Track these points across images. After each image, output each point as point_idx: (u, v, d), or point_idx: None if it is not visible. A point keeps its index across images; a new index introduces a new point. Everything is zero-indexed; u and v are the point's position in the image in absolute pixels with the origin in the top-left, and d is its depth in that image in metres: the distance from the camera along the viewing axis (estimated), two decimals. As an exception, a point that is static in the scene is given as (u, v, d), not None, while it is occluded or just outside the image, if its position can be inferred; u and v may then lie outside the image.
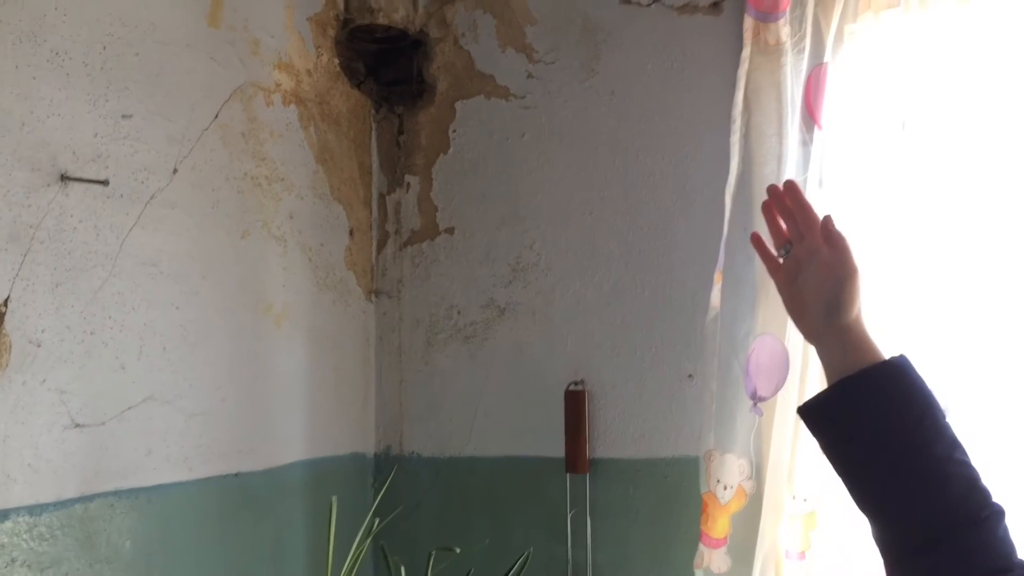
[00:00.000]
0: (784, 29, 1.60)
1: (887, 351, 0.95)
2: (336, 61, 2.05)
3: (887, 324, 1.50)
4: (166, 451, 1.54)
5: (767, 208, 1.08)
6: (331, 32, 2.03)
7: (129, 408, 1.49)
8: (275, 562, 1.78)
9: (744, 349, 1.62)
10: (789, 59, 1.60)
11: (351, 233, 2.06)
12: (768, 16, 1.60)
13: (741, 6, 1.75)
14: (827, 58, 1.56)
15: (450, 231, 2.05)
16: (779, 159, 1.60)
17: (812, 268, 1.00)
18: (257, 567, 1.73)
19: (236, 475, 1.69)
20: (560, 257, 1.92)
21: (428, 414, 2.03)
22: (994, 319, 1.46)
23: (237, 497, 1.69)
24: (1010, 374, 1.43)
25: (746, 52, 1.61)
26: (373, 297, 2.11)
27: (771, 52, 1.61)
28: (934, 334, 1.47)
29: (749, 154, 1.64)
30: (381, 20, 2.05)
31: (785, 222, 1.06)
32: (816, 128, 1.55)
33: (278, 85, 1.87)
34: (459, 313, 2.02)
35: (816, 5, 1.58)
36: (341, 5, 2.06)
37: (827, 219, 0.99)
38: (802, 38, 1.59)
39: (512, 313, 1.96)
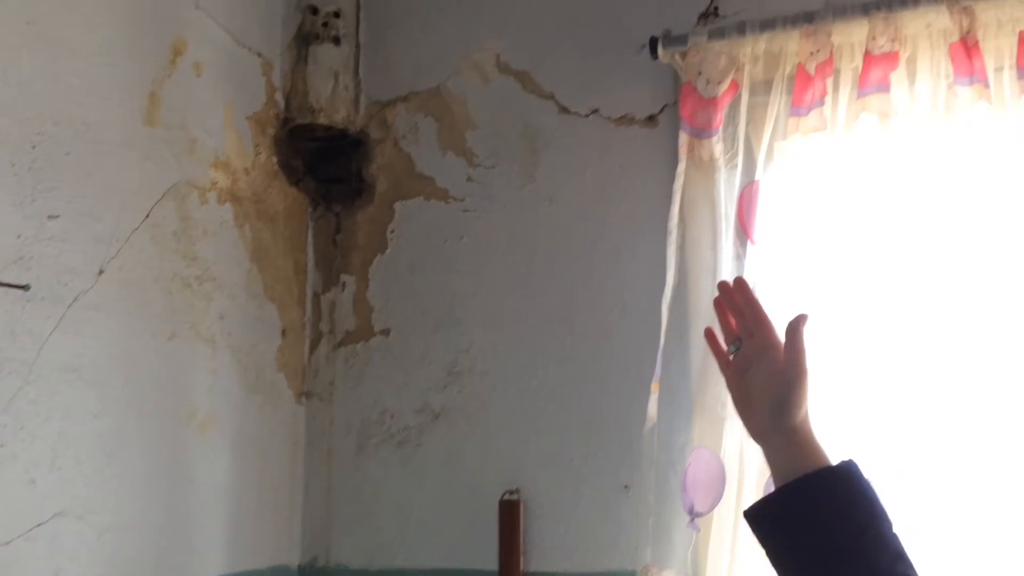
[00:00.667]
0: (717, 146, 1.64)
1: (831, 455, 0.95)
2: (274, 159, 2.03)
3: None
4: (76, 570, 1.45)
5: (718, 304, 1.09)
6: (270, 131, 2.03)
7: (38, 525, 1.40)
8: None
9: (681, 462, 1.61)
10: (722, 175, 1.64)
11: (283, 333, 2.01)
12: (702, 133, 1.65)
13: (676, 120, 1.79)
14: (759, 175, 1.60)
15: (385, 333, 2.01)
16: (714, 272, 1.62)
17: (761, 366, 1.01)
18: None
19: (150, 594, 1.60)
20: (496, 362, 1.90)
21: (357, 523, 1.96)
22: (923, 430, 1.48)
23: (150, 618, 1.59)
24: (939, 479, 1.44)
25: (681, 167, 1.65)
26: (303, 400, 2.05)
27: (705, 167, 1.65)
28: (865, 441, 1.48)
29: (685, 265, 1.67)
30: (322, 120, 2.05)
31: (735, 319, 1.07)
32: (749, 243, 1.58)
33: (214, 183, 1.84)
34: (392, 417, 1.97)
35: (747, 125, 1.63)
36: (281, 104, 2.06)
37: (800, 318, 1.00)
38: (734, 155, 1.63)
39: (447, 418, 1.92)
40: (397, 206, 2.06)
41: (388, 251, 2.05)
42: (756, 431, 1.01)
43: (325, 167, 2.14)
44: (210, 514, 1.76)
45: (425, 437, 1.93)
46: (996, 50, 1.46)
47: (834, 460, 0.95)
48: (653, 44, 1.70)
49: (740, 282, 1.08)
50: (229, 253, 1.87)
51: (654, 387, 1.64)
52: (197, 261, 1.78)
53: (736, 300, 1.06)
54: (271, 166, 2.03)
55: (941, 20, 1.48)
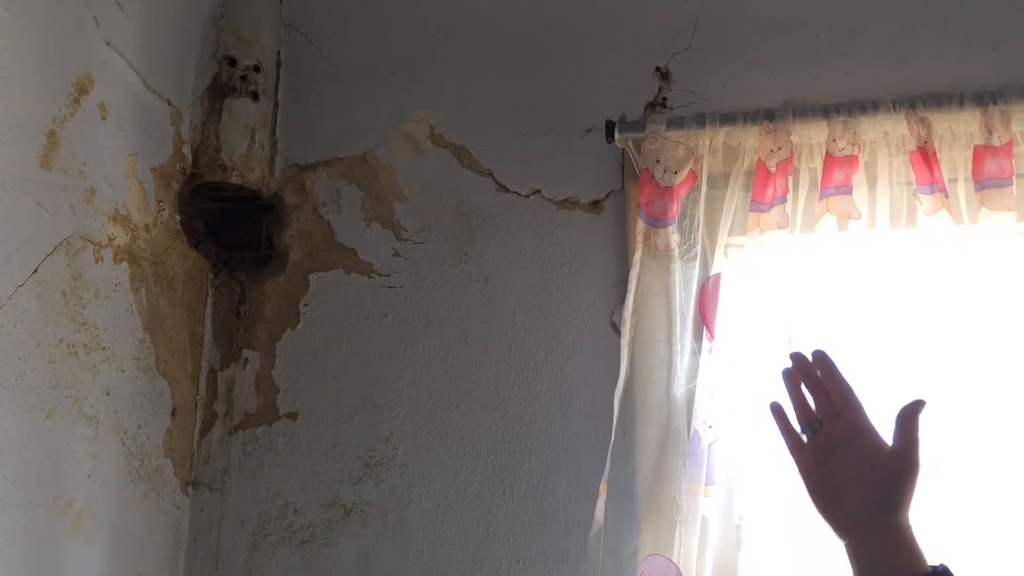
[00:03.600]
0: (673, 236, 1.59)
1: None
2: (177, 218, 1.83)
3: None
4: None
5: (792, 378, 1.00)
6: (175, 186, 1.83)
7: None
8: None
9: (631, 570, 1.49)
10: (678, 265, 1.58)
11: (173, 413, 1.77)
12: (658, 221, 1.59)
13: (622, 207, 1.75)
14: (719, 268, 1.56)
15: (292, 416, 1.81)
16: (669, 366, 1.55)
17: (852, 453, 0.92)
18: None
19: None
20: (420, 453, 1.74)
21: (248, 634, 1.71)
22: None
23: None
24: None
25: (637, 255, 1.58)
26: (190, 490, 1.81)
27: (660, 257, 1.59)
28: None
29: (637, 359, 1.58)
30: (234, 179, 1.87)
31: (814, 397, 0.98)
32: (708, 338, 1.52)
33: (111, 239, 1.62)
34: (296, 512, 1.76)
35: (704, 217, 1.59)
36: (189, 159, 1.87)
37: (917, 404, 0.92)
38: (692, 246, 1.59)
39: (360, 515, 1.73)
40: (312, 277, 1.89)
41: (300, 326, 1.87)
42: (849, 526, 0.92)
43: (229, 230, 1.95)
44: (79, 626, 1.49)
45: (333, 536, 1.73)
46: (951, 161, 1.49)
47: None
48: (610, 128, 1.65)
49: (822, 356, 1.00)
50: (122, 319, 1.64)
51: (603, 487, 1.52)
52: (86, 327, 1.55)
53: (815, 375, 0.98)
54: (173, 224, 1.82)
55: (899, 128, 1.51)
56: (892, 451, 0.92)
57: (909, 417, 0.93)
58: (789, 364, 1.01)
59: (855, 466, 0.92)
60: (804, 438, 0.97)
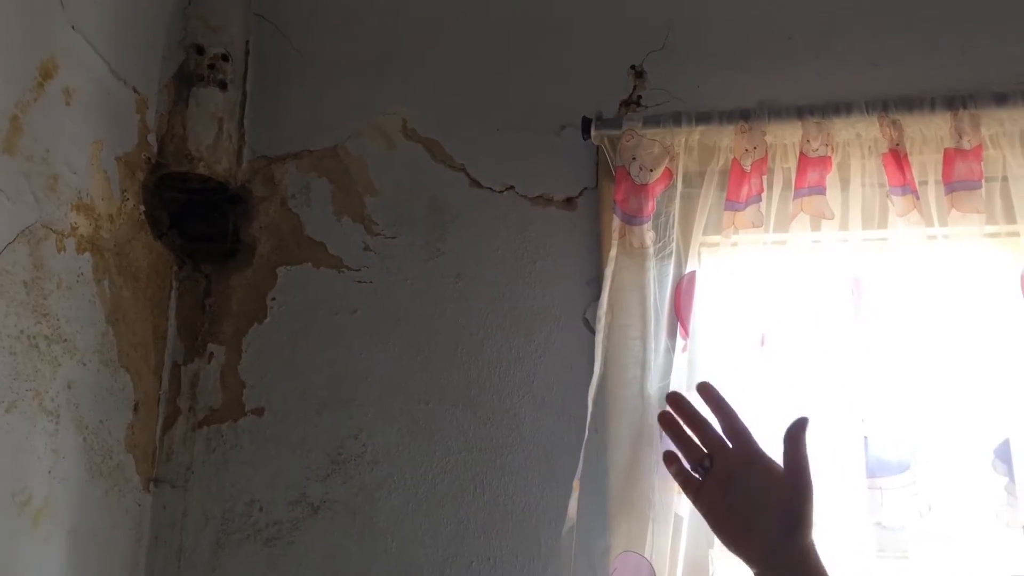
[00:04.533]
0: (648, 234, 1.59)
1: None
2: (141, 208, 1.78)
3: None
4: None
5: (667, 421, 0.99)
6: (140, 175, 1.78)
7: None
8: None
9: (603, 567, 1.49)
10: (653, 263, 1.59)
11: (136, 408, 1.73)
12: (633, 219, 1.59)
13: (595, 204, 1.74)
14: (694, 266, 1.56)
15: (258, 412, 1.78)
16: (643, 364, 1.55)
17: (750, 482, 0.91)
18: None
19: None
20: (389, 450, 1.72)
21: (211, 634, 1.68)
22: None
23: None
24: None
25: (612, 252, 1.58)
26: (152, 486, 1.76)
27: (636, 255, 1.59)
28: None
29: (610, 356, 1.58)
30: (201, 169, 1.83)
31: (696, 433, 0.97)
32: (682, 336, 1.53)
33: (74, 229, 1.58)
34: (261, 510, 1.73)
35: (679, 215, 1.60)
36: (155, 148, 1.82)
37: (800, 423, 0.91)
38: (667, 244, 1.59)
39: (328, 512, 1.70)
40: (280, 271, 1.86)
41: (267, 320, 1.83)
42: (759, 556, 0.90)
43: (195, 222, 1.91)
44: (37, 626, 1.44)
45: (300, 533, 1.70)
46: (921, 164, 1.51)
47: None
48: (586, 124, 1.64)
49: (706, 388, 1.00)
50: (84, 311, 1.59)
51: (575, 484, 1.52)
52: (48, 318, 1.50)
53: (690, 412, 0.97)
54: (137, 215, 1.78)
55: (871, 130, 1.53)
56: (784, 474, 0.91)
57: (795, 437, 0.93)
58: (665, 407, 1.00)
59: (754, 493, 0.91)
60: (699, 477, 0.96)
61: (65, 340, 1.54)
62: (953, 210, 1.47)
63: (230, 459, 1.76)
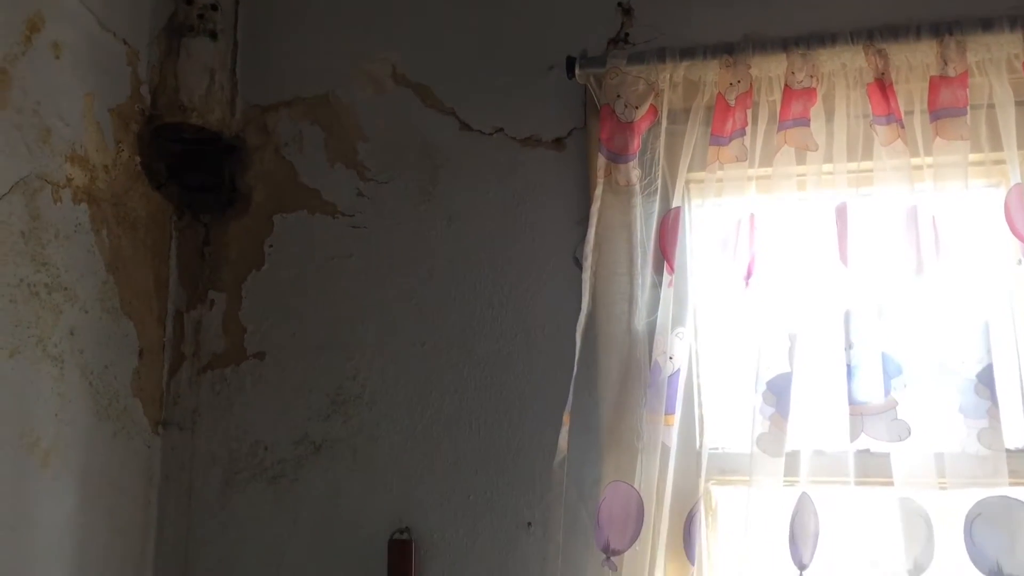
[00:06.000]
0: (634, 171, 1.60)
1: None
2: (137, 159, 1.81)
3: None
4: None
5: None
6: (134, 127, 1.81)
7: None
8: None
9: (593, 497, 1.53)
10: (639, 200, 1.60)
11: (141, 354, 1.78)
12: (619, 157, 1.60)
13: (584, 144, 1.75)
14: (678, 202, 1.57)
15: (259, 356, 1.83)
16: (630, 299, 1.58)
17: None
18: None
19: (-25, 660, 1.33)
20: (387, 390, 1.76)
21: (221, 568, 1.74)
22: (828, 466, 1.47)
23: None
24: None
25: (598, 191, 1.60)
26: (160, 429, 1.82)
27: (622, 192, 1.61)
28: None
29: (598, 293, 1.60)
30: (194, 120, 1.85)
31: None
32: (668, 271, 1.54)
33: (69, 180, 1.61)
34: (266, 450, 1.78)
35: (665, 152, 1.60)
36: (148, 100, 1.85)
37: None
38: (652, 181, 1.60)
39: (329, 451, 1.76)
40: (276, 219, 1.89)
41: (265, 267, 1.87)
42: None
43: (192, 172, 1.94)
44: (51, 559, 1.51)
45: (303, 471, 1.76)
46: (907, 93, 1.51)
47: None
48: (571, 64, 1.64)
49: None
50: (83, 260, 1.63)
51: (565, 418, 1.55)
52: (47, 267, 1.54)
53: None
54: (133, 166, 1.80)
55: (856, 60, 1.52)
56: None
57: None
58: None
59: None
60: None
61: (65, 288, 1.58)
62: (938, 138, 1.47)
63: (234, 402, 1.81)
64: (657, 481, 1.47)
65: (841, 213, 1.49)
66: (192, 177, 1.94)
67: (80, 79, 1.66)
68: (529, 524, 1.64)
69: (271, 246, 1.88)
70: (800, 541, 1.37)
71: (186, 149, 1.91)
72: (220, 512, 1.77)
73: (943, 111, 1.46)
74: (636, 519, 1.46)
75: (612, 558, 1.46)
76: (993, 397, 1.39)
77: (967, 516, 1.33)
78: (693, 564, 1.45)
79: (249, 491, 1.77)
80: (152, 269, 1.84)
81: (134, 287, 1.77)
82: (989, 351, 1.40)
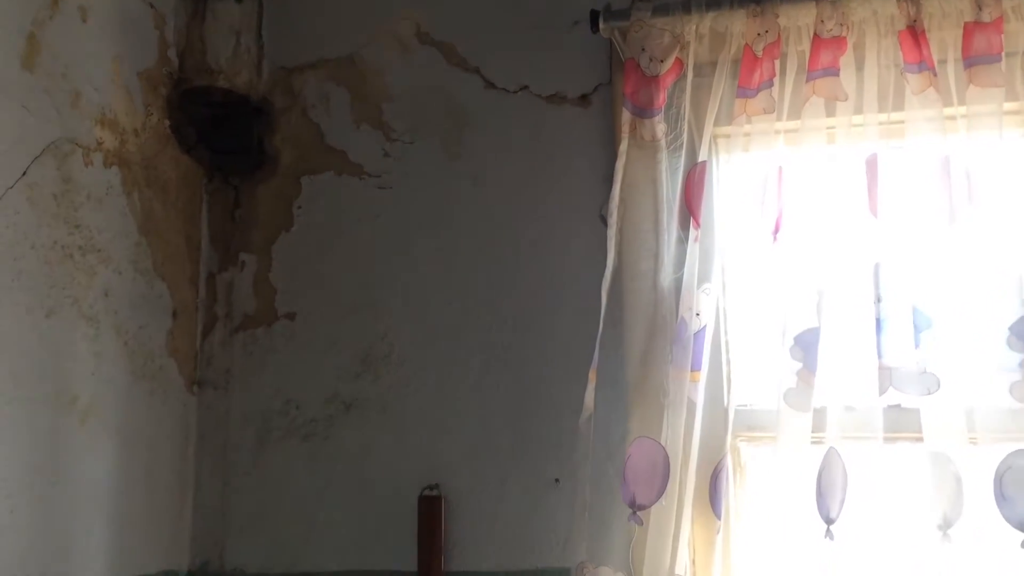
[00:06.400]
0: (660, 126, 1.58)
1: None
2: (166, 122, 1.83)
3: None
4: (-68, 583, 1.23)
5: None
6: (163, 90, 1.82)
7: None
8: None
9: (620, 453, 1.53)
10: (665, 155, 1.58)
11: (174, 315, 1.81)
12: (644, 112, 1.58)
13: (609, 100, 1.73)
14: (704, 157, 1.55)
15: (290, 316, 1.85)
16: (656, 255, 1.57)
17: None
18: None
19: (21, 607, 1.38)
20: (416, 349, 1.77)
21: (256, 524, 1.78)
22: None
23: (21, 635, 1.37)
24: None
25: (623, 146, 1.58)
26: (196, 389, 1.86)
27: (647, 148, 1.59)
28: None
29: (624, 249, 1.60)
30: (221, 83, 1.87)
31: None
32: (694, 226, 1.53)
33: (99, 143, 1.63)
34: (298, 408, 1.81)
35: (691, 105, 1.58)
36: (176, 63, 1.86)
37: None
38: (678, 135, 1.58)
39: (359, 409, 1.78)
40: (304, 180, 1.90)
41: (294, 228, 1.89)
42: None
43: (221, 136, 1.95)
44: (90, 514, 1.55)
45: (335, 430, 1.78)
46: (940, 41, 1.46)
47: None
48: (594, 17, 1.62)
49: None
50: (116, 222, 1.66)
51: (591, 375, 1.55)
52: (80, 229, 1.57)
53: None
54: (163, 129, 1.82)
55: (888, 7, 1.48)
56: None
57: None
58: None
59: None
60: None
61: (99, 250, 1.61)
62: (971, 85, 1.43)
63: (267, 361, 1.84)
64: (683, 437, 1.47)
65: (871, 165, 1.46)
66: (221, 140, 1.95)
67: (107, 42, 1.67)
68: (557, 480, 1.65)
69: (299, 208, 1.89)
70: (828, 496, 1.37)
71: (215, 113, 1.93)
72: (254, 469, 1.80)
73: (977, 58, 1.42)
74: (662, 475, 1.46)
75: (638, 513, 1.46)
76: (1026, 350, 1.36)
77: (997, 470, 1.31)
78: (719, 519, 1.45)
79: (282, 449, 1.80)
80: (184, 231, 1.86)
81: (166, 249, 1.80)
82: (1023, 303, 1.37)
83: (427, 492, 1.69)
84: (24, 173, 1.45)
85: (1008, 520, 1.30)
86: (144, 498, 1.69)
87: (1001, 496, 1.30)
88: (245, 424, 1.83)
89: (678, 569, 1.44)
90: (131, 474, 1.65)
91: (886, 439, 1.41)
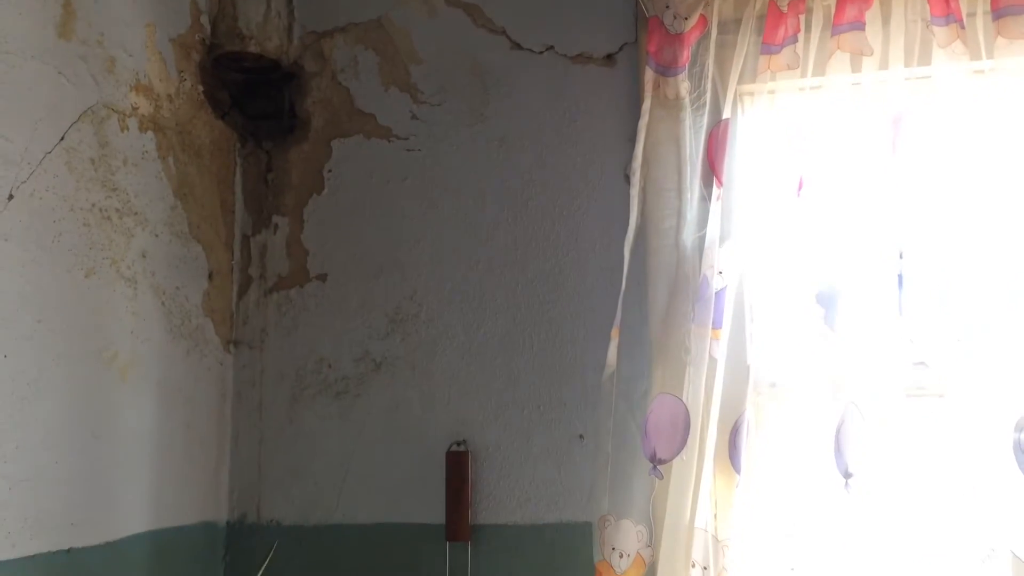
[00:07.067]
0: (683, 84, 1.58)
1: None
2: (200, 88, 1.87)
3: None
4: (-17, 527, 1.30)
5: None
6: (196, 56, 1.86)
7: (-60, 476, 1.24)
8: (109, 654, 1.54)
9: (642, 409, 1.56)
10: (688, 114, 1.58)
11: (210, 276, 1.87)
12: (667, 70, 1.58)
13: (634, 60, 1.73)
14: (727, 114, 1.55)
15: (322, 278, 1.89)
16: (679, 214, 1.57)
17: None
18: (88, 662, 1.48)
19: (68, 551, 1.46)
20: (443, 308, 1.81)
21: (291, 478, 1.84)
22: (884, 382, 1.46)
23: (68, 578, 1.45)
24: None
25: (646, 105, 1.59)
26: (232, 348, 1.92)
27: (670, 106, 1.59)
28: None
29: (647, 208, 1.60)
30: (252, 48, 1.90)
31: None
32: (716, 185, 1.53)
33: (135, 108, 1.68)
34: (329, 367, 1.86)
35: (715, 63, 1.58)
36: (208, 29, 1.90)
37: None
38: (701, 94, 1.58)
39: (389, 367, 1.82)
40: (335, 144, 1.93)
41: (325, 192, 1.92)
42: None
43: (254, 101, 1.99)
44: (133, 466, 1.62)
45: (365, 387, 1.83)
46: (969, -7, 1.44)
47: None
48: (619, -25, 1.62)
49: None
50: (152, 186, 1.71)
51: (614, 333, 1.58)
52: (117, 192, 1.62)
53: None
54: (196, 95, 1.86)
55: (915, -41, 1.45)
56: None
57: None
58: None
59: None
60: None
61: (136, 213, 1.66)
62: (1000, 37, 1.40)
63: (300, 322, 1.89)
64: (704, 393, 1.49)
65: (897, 121, 1.44)
66: (253, 105, 1.99)
67: (141, 9, 1.71)
68: (581, 436, 1.68)
69: (330, 171, 1.93)
70: (845, 451, 1.37)
71: (247, 78, 1.96)
72: (289, 426, 1.86)
73: (1007, 9, 1.40)
74: (683, 430, 1.48)
75: (659, 467, 1.49)
76: (1053, 306, 1.35)
77: (1016, 426, 1.31)
78: (739, 473, 1.46)
79: (315, 406, 1.85)
80: (218, 195, 1.91)
81: (201, 212, 1.85)
82: (1049, 260, 1.36)
83: (454, 447, 1.74)
84: (62, 138, 1.50)
85: (1029, 474, 1.30)
86: (183, 452, 1.75)
87: (1020, 450, 1.30)
88: (279, 382, 1.88)
89: (698, 523, 1.46)
90: (170, 429, 1.72)
91: (908, 395, 1.41)
